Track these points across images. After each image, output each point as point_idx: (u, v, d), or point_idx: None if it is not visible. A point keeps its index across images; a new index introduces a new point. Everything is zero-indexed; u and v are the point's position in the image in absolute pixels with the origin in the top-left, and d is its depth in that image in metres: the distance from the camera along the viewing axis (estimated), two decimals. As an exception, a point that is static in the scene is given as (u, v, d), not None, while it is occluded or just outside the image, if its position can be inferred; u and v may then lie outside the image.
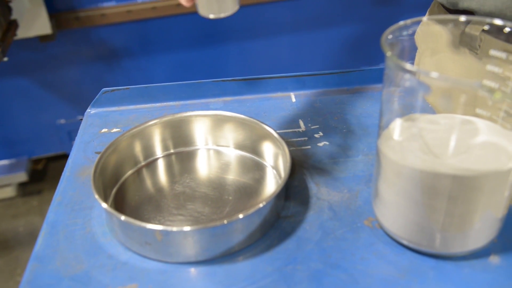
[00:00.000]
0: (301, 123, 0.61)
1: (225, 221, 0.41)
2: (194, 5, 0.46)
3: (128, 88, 0.65)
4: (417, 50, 0.57)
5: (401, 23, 0.41)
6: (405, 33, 0.41)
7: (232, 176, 0.53)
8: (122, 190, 0.52)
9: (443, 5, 0.64)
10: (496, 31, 0.41)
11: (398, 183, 0.41)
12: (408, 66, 0.36)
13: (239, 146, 0.57)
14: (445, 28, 0.46)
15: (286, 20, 1.63)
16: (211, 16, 0.46)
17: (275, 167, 0.53)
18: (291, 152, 0.50)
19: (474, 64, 0.58)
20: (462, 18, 0.43)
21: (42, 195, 1.70)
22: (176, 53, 1.59)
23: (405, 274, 0.41)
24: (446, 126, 0.42)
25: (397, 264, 0.42)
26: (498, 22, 0.41)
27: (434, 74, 0.35)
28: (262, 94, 0.67)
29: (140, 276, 0.41)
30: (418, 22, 0.42)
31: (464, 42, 0.58)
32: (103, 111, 0.65)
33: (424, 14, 0.72)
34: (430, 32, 0.49)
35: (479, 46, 0.56)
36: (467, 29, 0.55)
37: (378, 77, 0.68)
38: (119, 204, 0.50)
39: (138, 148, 0.55)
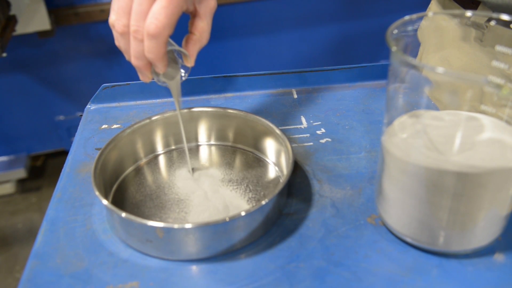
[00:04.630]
0: (303, 119, 0.61)
1: (227, 219, 0.41)
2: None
3: (128, 84, 0.64)
4: (420, 46, 0.56)
5: (406, 17, 0.40)
6: (410, 28, 0.40)
7: (234, 172, 0.53)
8: (123, 187, 0.51)
9: None
10: (503, 23, 0.41)
11: (402, 180, 0.40)
12: (414, 61, 0.36)
13: (241, 143, 0.56)
14: (450, 22, 0.45)
15: (288, 16, 1.63)
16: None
17: (277, 164, 0.53)
18: (293, 148, 0.50)
19: (480, 59, 0.58)
20: (469, 13, 0.42)
21: (41, 192, 1.69)
22: (176, 49, 1.58)
23: (408, 272, 0.41)
24: (451, 122, 0.42)
25: (401, 262, 0.41)
26: (505, 17, 0.40)
27: (440, 69, 0.34)
28: (263, 90, 0.67)
29: (141, 273, 0.41)
30: (423, 17, 0.41)
31: (470, 32, 0.57)
32: (103, 107, 0.65)
33: (424, 9, 0.72)
34: (435, 27, 0.48)
35: (484, 33, 0.55)
36: (473, 19, 0.55)
37: (380, 73, 0.68)
38: (120, 201, 0.49)
39: (139, 144, 0.54)
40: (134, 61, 0.45)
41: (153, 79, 0.47)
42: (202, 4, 0.46)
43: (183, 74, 0.50)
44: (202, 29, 0.47)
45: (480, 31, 0.56)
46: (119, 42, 0.45)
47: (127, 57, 0.46)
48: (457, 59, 0.62)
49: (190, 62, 0.48)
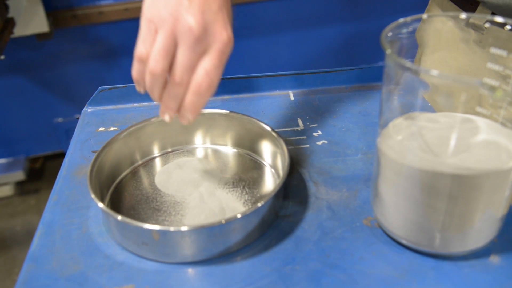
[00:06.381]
0: (300, 121, 0.61)
1: (223, 221, 0.41)
2: None
3: (125, 86, 0.64)
4: (418, 48, 0.56)
5: (401, 20, 0.40)
6: (405, 30, 0.40)
7: (230, 175, 0.53)
8: (119, 190, 0.51)
9: None
10: (501, 25, 0.41)
11: (397, 182, 0.41)
12: (408, 64, 0.36)
13: (237, 145, 0.56)
14: (449, 24, 0.45)
15: (285, 18, 1.63)
16: None
17: (274, 166, 0.53)
18: (289, 150, 0.50)
19: (479, 60, 0.58)
20: (463, 15, 0.42)
21: (40, 194, 1.69)
22: (174, 51, 1.58)
23: (404, 274, 0.41)
24: (446, 124, 0.42)
25: (397, 264, 0.41)
26: (499, 19, 0.40)
27: (434, 72, 0.34)
28: (260, 92, 0.67)
29: (137, 276, 0.41)
30: (418, 20, 0.41)
31: (469, 34, 0.57)
32: (100, 110, 0.65)
33: (423, 11, 0.72)
34: (434, 29, 0.48)
35: (483, 35, 0.55)
36: (471, 20, 0.55)
37: (377, 75, 0.68)
38: (116, 204, 0.49)
39: (135, 147, 0.54)
40: (165, 106, 0.43)
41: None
42: None
43: None
44: None
45: (479, 33, 0.56)
46: (141, 75, 0.43)
47: (138, 88, 0.44)
48: (455, 61, 0.62)
49: None
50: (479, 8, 0.58)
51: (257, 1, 1.56)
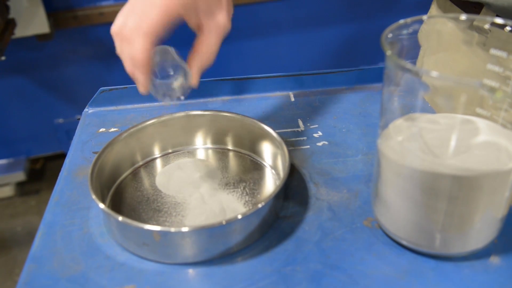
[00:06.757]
0: (300, 122, 0.61)
1: (224, 222, 0.41)
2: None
3: (126, 87, 0.65)
4: (421, 49, 0.56)
5: (401, 21, 0.40)
6: (405, 31, 0.41)
7: (231, 175, 0.53)
8: (120, 190, 0.51)
9: None
10: (502, 26, 0.41)
11: (398, 183, 0.41)
12: (408, 65, 0.36)
13: (238, 146, 0.56)
14: (451, 26, 0.45)
15: (285, 19, 1.63)
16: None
17: (274, 167, 0.53)
18: (290, 151, 0.50)
19: (483, 63, 0.58)
20: (463, 16, 0.42)
21: (40, 195, 1.69)
22: (174, 52, 1.58)
23: (404, 275, 0.41)
24: (446, 125, 0.42)
25: (397, 264, 0.42)
26: (499, 21, 0.40)
27: (434, 73, 0.34)
28: (260, 93, 0.67)
29: (138, 277, 0.41)
30: (418, 21, 0.41)
31: (472, 36, 0.57)
32: (101, 111, 0.65)
33: (424, 12, 0.72)
34: (436, 30, 0.48)
35: (488, 38, 0.55)
36: (475, 23, 0.55)
37: (377, 76, 0.68)
38: (117, 205, 0.49)
39: (135, 148, 0.54)
40: (126, 67, 0.43)
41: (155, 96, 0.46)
42: (209, 20, 0.44)
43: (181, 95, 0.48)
44: (202, 43, 0.45)
45: (483, 36, 0.56)
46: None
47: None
48: (458, 63, 0.62)
49: (190, 81, 0.46)
50: (483, 10, 0.58)
51: (257, 1, 1.56)
